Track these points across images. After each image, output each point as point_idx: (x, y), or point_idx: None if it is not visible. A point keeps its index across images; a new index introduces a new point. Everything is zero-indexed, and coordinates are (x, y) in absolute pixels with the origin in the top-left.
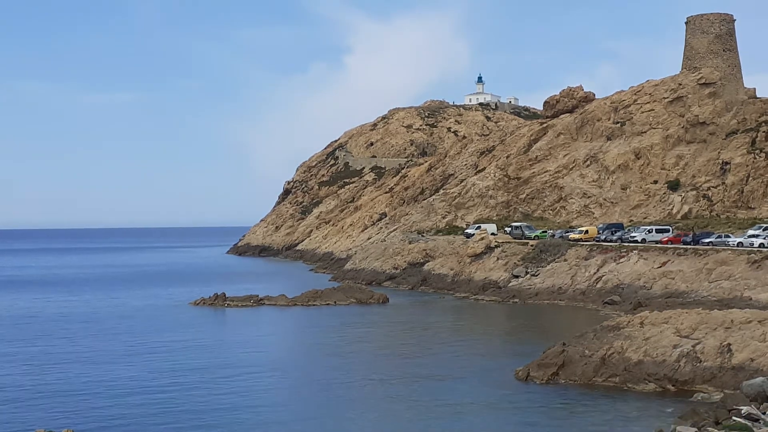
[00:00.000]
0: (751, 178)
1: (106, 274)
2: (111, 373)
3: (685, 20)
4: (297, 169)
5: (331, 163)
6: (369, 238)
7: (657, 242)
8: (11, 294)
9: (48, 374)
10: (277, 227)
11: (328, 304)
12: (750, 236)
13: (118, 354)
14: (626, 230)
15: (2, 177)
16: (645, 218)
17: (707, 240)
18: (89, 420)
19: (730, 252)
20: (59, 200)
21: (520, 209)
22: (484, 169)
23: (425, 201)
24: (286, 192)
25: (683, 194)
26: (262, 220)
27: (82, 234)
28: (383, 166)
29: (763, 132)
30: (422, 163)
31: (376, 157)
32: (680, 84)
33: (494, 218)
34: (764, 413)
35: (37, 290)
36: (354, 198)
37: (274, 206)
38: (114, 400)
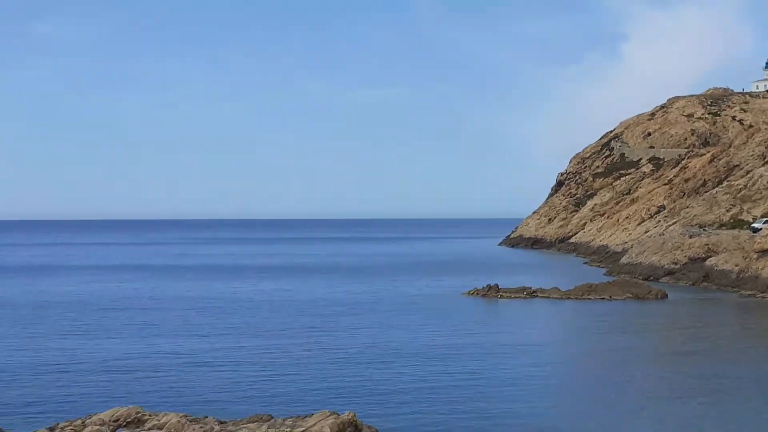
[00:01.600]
0: None
1: (385, 263)
2: (396, 368)
3: None
4: (570, 161)
5: (606, 154)
6: (646, 232)
7: None
8: (299, 281)
9: (333, 364)
10: (549, 219)
11: (602, 298)
12: None
13: (393, 347)
14: None
15: (285, 171)
16: None
17: None
18: (382, 414)
19: None
20: (336, 193)
21: None
22: None
23: (707, 193)
24: (559, 184)
25: None
26: (534, 212)
27: (363, 224)
28: (661, 157)
29: None
30: (704, 154)
31: (653, 147)
32: None
33: None
34: None
35: (323, 278)
36: (630, 190)
37: (547, 198)
38: (400, 396)
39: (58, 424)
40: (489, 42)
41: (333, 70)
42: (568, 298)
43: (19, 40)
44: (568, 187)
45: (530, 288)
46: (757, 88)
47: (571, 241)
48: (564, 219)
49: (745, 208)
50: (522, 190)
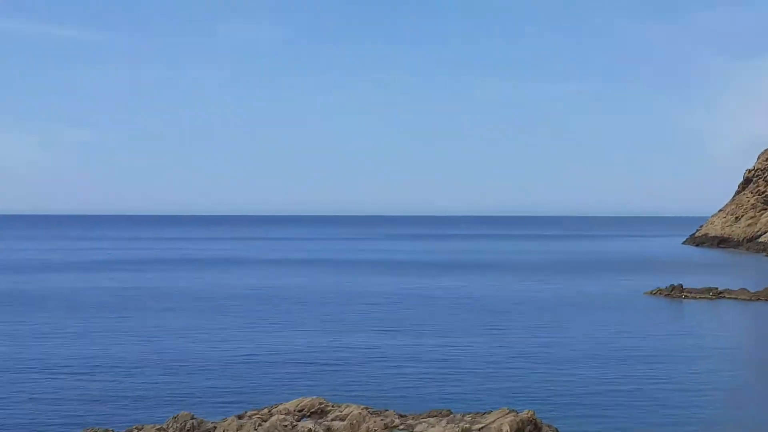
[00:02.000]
0: None
1: (563, 261)
2: (576, 368)
3: None
4: (758, 157)
5: None
6: None
7: None
8: (475, 278)
9: (512, 362)
10: (736, 217)
11: None
12: None
13: (573, 347)
14: None
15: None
16: None
17: None
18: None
19: None
20: (521, 187)
21: None
22: None
23: None
24: (747, 181)
25: None
26: (720, 210)
27: (535, 221)
28: None
29: None
30: None
31: None
32: None
33: None
34: None
35: (499, 275)
36: None
37: (734, 195)
38: (581, 398)
39: (246, 412)
40: (669, 33)
41: (511, 67)
42: (758, 299)
43: (205, 41)
44: (756, 185)
45: (717, 288)
46: None
47: (760, 240)
48: (752, 217)
49: None
50: (706, 186)
